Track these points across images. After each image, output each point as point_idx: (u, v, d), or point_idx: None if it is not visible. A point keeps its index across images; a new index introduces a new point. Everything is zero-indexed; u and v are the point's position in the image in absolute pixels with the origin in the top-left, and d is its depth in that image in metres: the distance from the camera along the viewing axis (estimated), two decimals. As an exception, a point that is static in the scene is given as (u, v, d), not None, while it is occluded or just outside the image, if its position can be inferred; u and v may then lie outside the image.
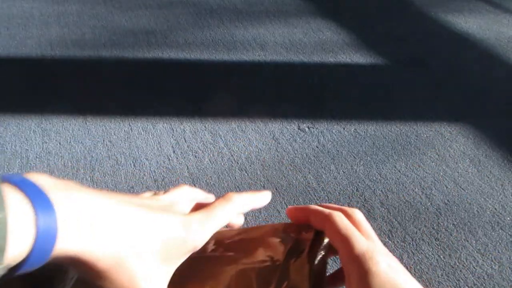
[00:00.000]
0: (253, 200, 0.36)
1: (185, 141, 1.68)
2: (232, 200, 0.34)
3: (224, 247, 0.34)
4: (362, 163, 1.60)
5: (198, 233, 0.32)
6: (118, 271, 0.28)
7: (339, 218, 0.35)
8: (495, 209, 1.45)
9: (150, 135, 1.70)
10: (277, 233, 0.34)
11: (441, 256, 1.30)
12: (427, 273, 1.26)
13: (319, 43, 2.31)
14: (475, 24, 2.49)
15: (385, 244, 1.33)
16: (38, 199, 0.24)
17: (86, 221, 0.26)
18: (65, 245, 0.25)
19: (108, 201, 0.28)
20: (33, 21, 2.46)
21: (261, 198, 0.37)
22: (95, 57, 2.18)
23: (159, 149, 1.64)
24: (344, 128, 1.76)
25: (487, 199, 1.48)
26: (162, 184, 1.49)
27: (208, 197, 0.38)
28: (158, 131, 1.72)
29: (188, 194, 0.36)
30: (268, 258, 0.32)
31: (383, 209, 1.43)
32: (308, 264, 0.32)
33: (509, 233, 1.37)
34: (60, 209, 0.25)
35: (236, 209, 0.35)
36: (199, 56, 2.20)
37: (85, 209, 0.27)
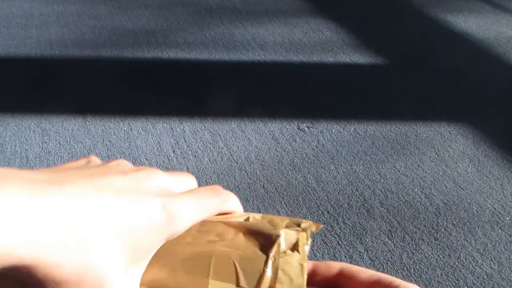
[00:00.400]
0: (238, 205, 0.32)
1: (185, 141, 1.68)
2: (222, 197, 0.30)
3: (202, 231, 0.29)
4: (361, 163, 1.61)
5: (179, 218, 0.26)
6: (82, 281, 0.22)
7: None
8: (495, 208, 1.45)
9: (149, 135, 1.70)
10: (262, 224, 0.31)
11: (441, 256, 1.30)
12: (426, 273, 1.26)
13: (318, 43, 2.32)
14: (474, 24, 2.49)
15: (384, 243, 1.33)
16: None
17: (33, 218, 0.20)
18: (2, 244, 0.19)
19: (61, 187, 0.22)
20: (33, 21, 2.46)
21: (239, 206, 0.32)
22: (94, 57, 2.18)
23: (159, 149, 1.64)
24: (343, 128, 1.77)
25: (486, 199, 1.48)
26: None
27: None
28: (158, 131, 1.72)
29: (170, 180, 0.29)
30: (255, 247, 0.29)
31: (383, 209, 1.43)
32: (300, 256, 0.29)
33: (509, 232, 1.37)
34: None
35: (222, 208, 0.30)
36: (199, 56, 2.20)
37: (28, 198, 0.20)
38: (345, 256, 1.30)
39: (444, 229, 1.37)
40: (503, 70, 2.16)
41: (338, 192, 1.48)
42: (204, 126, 1.75)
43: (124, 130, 1.71)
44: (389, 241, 1.34)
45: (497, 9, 2.66)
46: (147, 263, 0.26)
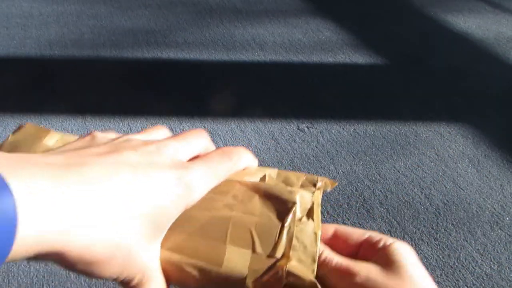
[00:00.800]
0: (251, 160, 0.32)
1: (185, 141, 1.68)
2: (233, 159, 0.29)
3: (218, 192, 0.29)
4: (361, 163, 1.61)
5: (196, 188, 0.26)
6: (111, 258, 0.23)
7: None
8: (494, 209, 1.45)
9: (149, 135, 1.70)
10: (279, 187, 0.30)
11: (440, 256, 1.30)
12: (426, 273, 1.26)
13: (318, 43, 2.32)
14: (474, 24, 2.49)
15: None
16: None
17: (61, 206, 0.21)
18: (33, 236, 0.20)
19: (80, 170, 0.22)
20: (32, 21, 2.46)
21: (253, 162, 0.32)
22: (94, 57, 2.18)
23: (159, 149, 1.64)
24: (343, 128, 1.77)
25: (486, 199, 1.48)
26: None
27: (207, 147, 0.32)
28: (158, 131, 1.72)
29: (186, 143, 0.29)
30: (271, 213, 0.29)
31: (382, 209, 1.43)
32: (313, 223, 0.29)
33: (508, 233, 1.37)
34: (19, 189, 0.19)
35: (235, 169, 0.30)
36: (198, 56, 2.20)
37: (54, 185, 0.21)
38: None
39: (444, 230, 1.37)
40: (502, 70, 2.16)
41: (338, 192, 1.48)
42: (204, 126, 1.75)
43: (123, 130, 1.71)
44: None
45: (497, 9, 2.66)
46: (166, 231, 0.27)
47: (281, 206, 0.29)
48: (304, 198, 0.30)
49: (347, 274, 0.29)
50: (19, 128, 0.34)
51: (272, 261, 0.27)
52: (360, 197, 1.47)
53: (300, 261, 0.28)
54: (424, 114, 1.86)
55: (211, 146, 0.32)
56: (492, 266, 1.27)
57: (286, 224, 0.28)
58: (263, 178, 0.31)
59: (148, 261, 0.26)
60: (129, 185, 0.24)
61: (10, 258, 0.19)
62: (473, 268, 1.27)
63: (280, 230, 0.28)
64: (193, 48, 2.25)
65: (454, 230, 1.37)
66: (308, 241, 0.28)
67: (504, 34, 2.42)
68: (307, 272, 0.28)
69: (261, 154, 1.63)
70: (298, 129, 1.75)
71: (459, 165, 1.62)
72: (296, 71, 2.12)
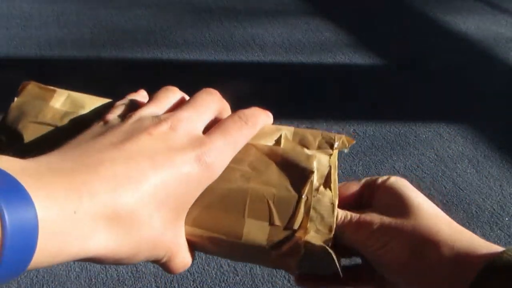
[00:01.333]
0: (268, 119, 0.31)
1: (184, 141, 1.68)
2: (250, 123, 0.29)
3: (235, 160, 0.28)
4: (361, 163, 1.61)
5: (215, 165, 0.26)
6: (139, 251, 0.24)
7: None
8: (494, 209, 1.45)
9: (149, 136, 1.70)
10: (295, 152, 0.30)
11: (440, 257, 1.30)
12: (425, 273, 1.26)
13: (318, 43, 2.32)
14: (473, 25, 2.50)
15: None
16: (7, 189, 0.18)
17: (81, 211, 0.21)
18: (55, 247, 0.20)
19: (97, 171, 0.22)
20: (32, 22, 2.46)
21: (269, 120, 0.32)
22: (94, 57, 2.18)
23: (158, 149, 1.64)
24: (343, 129, 1.77)
25: (485, 199, 1.49)
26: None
27: (224, 108, 0.31)
28: (157, 131, 1.72)
29: (197, 110, 0.28)
30: (288, 183, 0.28)
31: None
32: (331, 192, 0.29)
33: (508, 233, 1.37)
34: (41, 203, 0.19)
35: (253, 133, 0.29)
36: (198, 56, 2.20)
37: (74, 194, 0.21)
38: (345, 258, 1.30)
39: (443, 230, 1.37)
40: (502, 71, 2.16)
41: (338, 193, 1.48)
42: (204, 127, 1.75)
43: (123, 130, 1.72)
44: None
45: (496, 10, 2.67)
46: (187, 211, 0.27)
47: (299, 175, 0.29)
48: (321, 163, 0.29)
49: (364, 226, 0.29)
50: (22, 88, 0.33)
51: (290, 232, 0.28)
52: (359, 198, 1.47)
53: (317, 232, 0.28)
54: (424, 114, 1.86)
55: (225, 106, 0.31)
56: (492, 266, 1.27)
57: (304, 196, 0.28)
58: (278, 140, 0.30)
59: (173, 240, 0.26)
60: (150, 178, 0.23)
61: (31, 267, 0.19)
62: (473, 268, 1.27)
63: (298, 201, 0.28)
64: (193, 48, 2.26)
65: (453, 230, 1.37)
66: (326, 212, 0.28)
67: (503, 34, 2.43)
68: (324, 243, 0.28)
69: (261, 155, 1.63)
70: (297, 129, 1.76)
71: (458, 165, 1.62)
72: (295, 71, 2.12)
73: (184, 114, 0.27)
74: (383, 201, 0.31)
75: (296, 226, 0.28)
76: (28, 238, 0.18)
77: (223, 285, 1.23)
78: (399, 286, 0.30)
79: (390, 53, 2.24)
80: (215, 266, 1.27)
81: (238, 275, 1.26)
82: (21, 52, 2.20)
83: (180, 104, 0.29)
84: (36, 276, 1.24)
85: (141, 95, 0.33)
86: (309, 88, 2.00)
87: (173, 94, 0.31)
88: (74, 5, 2.64)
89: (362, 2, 2.74)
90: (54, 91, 0.33)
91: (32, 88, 0.33)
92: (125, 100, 0.31)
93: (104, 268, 1.27)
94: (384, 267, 0.29)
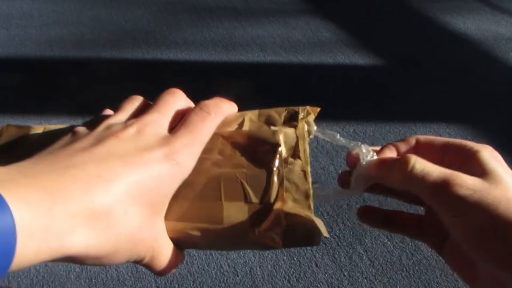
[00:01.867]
0: (231, 108, 0.32)
1: (184, 141, 1.68)
2: (212, 113, 0.29)
3: (204, 151, 0.29)
4: (361, 164, 1.61)
5: (186, 161, 0.27)
6: (118, 248, 0.24)
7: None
8: (494, 209, 1.45)
9: (149, 136, 1.70)
10: (260, 129, 0.31)
11: (440, 257, 1.30)
12: (425, 273, 1.26)
13: (318, 44, 2.32)
14: (473, 25, 2.50)
15: (384, 244, 1.34)
16: None
17: (57, 211, 0.21)
18: (33, 248, 0.20)
19: (71, 173, 0.23)
20: (32, 22, 2.46)
21: (232, 108, 0.32)
22: (94, 57, 2.18)
23: (158, 149, 1.64)
24: (343, 129, 1.77)
25: (485, 199, 1.49)
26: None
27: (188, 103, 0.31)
28: (157, 131, 1.72)
29: (162, 112, 0.29)
30: (257, 161, 0.29)
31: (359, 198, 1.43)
32: (301, 161, 0.29)
33: (508, 233, 1.37)
34: (16, 206, 0.19)
35: (217, 123, 0.30)
36: (198, 56, 2.20)
37: (49, 196, 0.21)
38: (345, 257, 1.30)
39: (443, 230, 1.37)
40: (502, 71, 2.16)
41: (338, 193, 1.48)
42: (204, 127, 1.75)
43: (123, 131, 1.72)
44: (389, 242, 1.34)
45: (496, 11, 2.67)
46: (166, 206, 0.27)
47: (266, 151, 0.29)
48: (287, 136, 0.30)
49: (445, 187, 0.27)
50: (1, 132, 0.34)
51: (268, 207, 0.28)
52: (359, 198, 1.47)
53: (295, 201, 0.28)
54: (423, 114, 1.86)
55: (188, 102, 0.31)
56: (492, 267, 1.27)
57: (275, 169, 0.29)
58: (241, 123, 0.31)
59: (153, 237, 0.26)
60: (121, 176, 0.24)
61: (13, 269, 0.20)
62: (473, 268, 1.27)
63: (269, 175, 0.28)
64: (193, 48, 2.26)
65: (453, 230, 1.37)
66: (299, 180, 0.29)
67: (503, 35, 2.43)
68: (304, 210, 0.28)
69: (261, 155, 1.63)
70: (297, 130, 1.76)
71: (458, 166, 1.62)
72: (295, 72, 2.12)
73: (148, 117, 0.28)
74: (472, 170, 0.29)
75: (272, 199, 0.28)
76: (7, 243, 0.19)
77: (223, 285, 1.23)
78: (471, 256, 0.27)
79: (390, 53, 2.24)
80: (215, 267, 1.27)
81: (238, 275, 1.26)
82: (21, 52, 2.20)
83: (144, 109, 0.30)
84: (36, 276, 1.24)
85: (107, 112, 0.34)
86: (309, 88, 2.00)
87: (137, 102, 0.31)
88: (74, 5, 2.64)
89: (362, 2, 2.75)
90: (30, 127, 0.34)
91: (9, 130, 0.34)
92: (92, 118, 0.33)
93: (104, 269, 1.27)
94: (460, 236, 0.27)
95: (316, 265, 1.29)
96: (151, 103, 0.31)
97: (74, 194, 0.22)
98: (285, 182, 0.29)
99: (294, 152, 0.30)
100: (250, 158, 0.29)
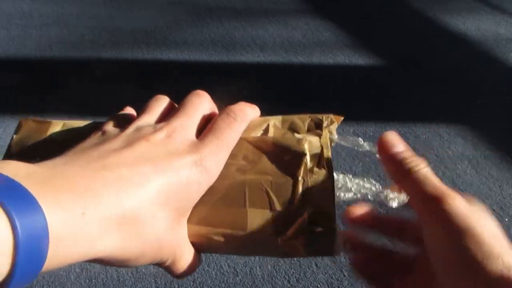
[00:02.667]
0: (255, 113, 0.32)
1: (184, 142, 1.68)
2: (238, 118, 0.29)
3: (230, 157, 0.29)
4: (361, 164, 1.61)
5: (213, 168, 0.27)
6: (144, 252, 0.24)
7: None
8: (494, 210, 1.45)
9: (149, 136, 1.70)
10: (285, 137, 0.31)
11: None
12: (425, 273, 1.26)
13: (318, 44, 2.32)
14: (473, 25, 2.50)
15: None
16: (14, 196, 0.19)
17: (89, 216, 0.21)
18: (64, 251, 0.20)
19: (103, 175, 0.23)
20: (33, 22, 2.46)
21: (256, 113, 0.32)
22: (94, 57, 2.18)
23: (158, 150, 1.64)
24: (342, 130, 1.77)
25: (485, 200, 1.49)
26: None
27: (212, 107, 0.32)
28: (157, 132, 1.72)
29: (189, 113, 0.29)
30: (282, 169, 0.29)
31: (382, 210, 1.43)
32: (325, 171, 0.29)
33: (507, 234, 1.37)
34: (50, 210, 0.20)
35: (243, 128, 0.30)
36: (198, 57, 2.20)
37: (82, 199, 0.21)
38: (345, 257, 1.30)
39: (443, 230, 1.37)
40: (502, 72, 2.16)
41: (338, 193, 1.49)
42: (204, 127, 1.75)
43: (123, 131, 1.72)
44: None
45: (496, 11, 2.67)
46: (189, 213, 0.28)
47: (292, 160, 0.29)
48: (312, 145, 0.30)
49: (439, 201, 0.27)
50: (20, 125, 0.34)
51: (292, 215, 0.28)
52: (360, 198, 1.47)
53: (320, 198, 0.28)
54: (423, 115, 1.86)
55: (212, 104, 0.32)
56: (492, 267, 1.27)
57: (300, 178, 0.29)
58: (267, 129, 0.31)
59: (177, 241, 0.27)
60: (152, 181, 0.24)
61: (41, 272, 0.20)
62: (473, 269, 1.27)
63: (295, 185, 0.28)
64: (193, 49, 2.26)
65: (453, 231, 1.38)
66: (324, 182, 0.29)
67: (503, 35, 2.43)
68: (328, 210, 0.28)
69: (261, 155, 1.63)
70: (297, 130, 1.76)
71: (458, 166, 1.62)
72: (295, 72, 2.12)
73: (177, 121, 0.28)
74: None
75: (297, 208, 0.28)
76: (39, 246, 0.19)
77: (223, 285, 1.23)
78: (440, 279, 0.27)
79: (390, 53, 2.24)
80: (215, 267, 1.27)
81: (238, 276, 1.26)
82: (21, 52, 2.20)
83: (171, 111, 0.30)
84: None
85: (129, 110, 0.34)
86: (309, 89, 2.00)
87: (164, 103, 0.32)
88: (74, 5, 2.64)
89: (362, 3, 2.75)
90: (50, 122, 0.34)
91: (28, 123, 0.34)
92: (117, 115, 0.33)
93: (104, 269, 1.27)
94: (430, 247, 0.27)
95: (316, 265, 1.29)
96: (176, 105, 0.31)
97: (105, 199, 0.22)
98: (310, 191, 0.29)
99: (319, 161, 0.30)
100: (275, 165, 0.29)
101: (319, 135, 0.31)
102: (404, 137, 1.74)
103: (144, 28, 2.42)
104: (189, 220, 0.28)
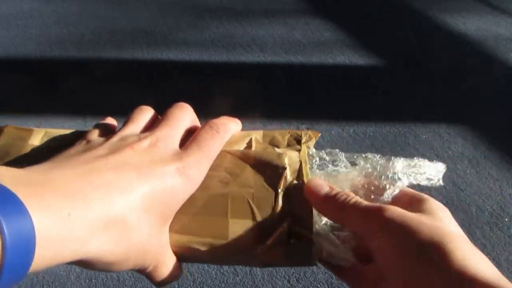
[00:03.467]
0: (237, 126, 0.33)
1: (184, 142, 1.68)
2: (221, 131, 0.31)
3: (211, 168, 0.30)
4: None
5: (195, 176, 0.28)
6: (128, 255, 0.25)
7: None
8: (494, 210, 1.45)
9: (149, 136, 1.70)
10: (267, 152, 0.32)
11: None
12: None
13: (318, 44, 2.32)
14: (473, 26, 2.50)
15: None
16: (0, 199, 0.19)
17: (75, 218, 0.21)
18: (51, 253, 0.21)
19: (90, 179, 0.23)
20: (33, 22, 2.46)
21: (238, 127, 0.34)
22: (94, 58, 2.18)
23: (159, 150, 1.64)
24: (343, 129, 1.77)
25: (485, 200, 1.49)
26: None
27: (193, 120, 0.33)
28: (157, 132, 1.72)
29: (171, 126, 0.31)
30: (264, 181, 0.31)
31: (382, 210, 1.43)
32: (304, 184, 0.31)
33: (507, 234, 1.37)
34: (36, 212, 0.20)
35: (225, 141, 0.32)
36: (198, 57, 2.20)
37: (68, 202, 0.22)
38: (345, 257, 1.30)
39: (443, 230, 1.37)
40: (502, 72, 2.16)
41: (338, 193, 1.48)
42: (204, 127, 1.75)
43: (123, 131, 1.71)
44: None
45: (496, 11, 2.67)
46: (171, 220, 0.29)
47: (273, 173, 0.31)
48: (292, 159, 0.32)
49: (377, 212, 0.28)
50: (1, 132, 0.35)
51: (273, 226, 0.29)
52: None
53: (299, 210, 0.30)
54: (424, 115, 1.86)
55: (195, 117, 0.33)
56: (492, 267, 1.27)
57: (280, 190, 0.30)
58: (250, 143, 0.33)
59: (160, 248, 0.27)
60: (137, 186, 0.25)
61: (31, 272, 0.20)
62: (473, 269, 1.27)
63: (276, 197, 0.30)
64: (193, 49, 2.26)
65: (453, 231, 1.37)
66: (303, 195, 0.30)
67: (503, 35, 2.43)
68: (307, 221, 0.30)
69: (261, 155, 1.63)
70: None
71: (458, 166, 1.62)
72: (295, 72, 2.12)
73: (161, 132, 0.29)
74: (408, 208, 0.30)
75: (277, 220, 0.29)
76: (26, 248, 0.19)
77: (223, 285, 1.23)
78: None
79: (390, 53, 2.24)
80: (215, 267, 1.27)
81: (238, 276, 1.26)
82: (21, 52, 2.20)
83: (155, 122, 0.32)
84: (36, 277, 1.24)
85: (110, 121, 0.35)
86: (309, 89, 2.00)
87: (148, 114, 0.33)
88: (74, 5, 2.64)
89: (362, 3, 2.75)
90: (32, 130, 0.35)
91: (9, 130, 0.35)
92: (100, 125, 0.34)
93: (104, 269, 1.27)
94: (382, 256, 0.27)
95: (316, 265, 1.29)
96: (159, 116, 0.33)
97: (92, 202, 0.23)
98: (290, 204, 0.30)
99: (298, 175, 0.31)
100: (257, 178, 0.31)
101: (299, 150, 0.32)
102: (404, 136, 1.75)
103: (144, 28, 2.42)
104: (171, 229, 0.29)
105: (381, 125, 1.80)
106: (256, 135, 0.33)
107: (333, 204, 0.30)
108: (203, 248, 0.29)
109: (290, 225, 0.29)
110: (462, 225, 1.42)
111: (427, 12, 2.64)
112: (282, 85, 2.03)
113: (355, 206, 0.29)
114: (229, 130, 0.32)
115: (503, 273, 0.26)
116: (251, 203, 0.30)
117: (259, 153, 0.32)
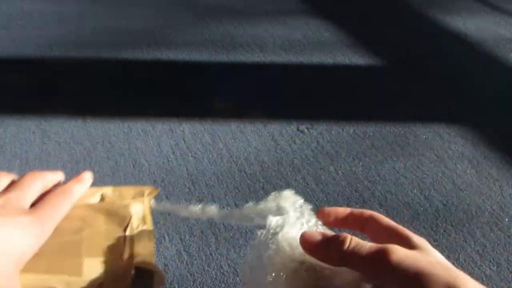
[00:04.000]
0: (84, 186, 0.38)
1: (184, 142, 1.68)
2: (67, 193, 0.36)
3: (64, 219, 0.36)
4: (361, 164, 1.61)
5: (48, 227, 0.32)
6: None
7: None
8: (493, 210, 1.45)
9: (149, 136, 1.70)
10: (117, 205, 0.39)
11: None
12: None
13: (317, 44, 2.32)
14: (473, 26, 2.50)
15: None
16: None
17: None
18: None
19: None
20: (33, 22, 2.46)
21: (87, 181, 0.39)
22: (94, 58, 2.18)
23: (159, 150, 1.64)
24: (343, 129, 1.77)
25: (485, 200, 1.49)
26: (161, 186, 1.49)
27: (54, 178, 0.38)
28: (158, 132, 1.72)
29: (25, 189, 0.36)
30: (115, 227, 0.36)
31: (382, 210, 1.43)
32: (148, 227, 0.38)
33: (507, 234, 1.37)
34: None
35: (74, 200, 0.36)
36: (198, 57, 2.20)
37: None
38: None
39: (443, 230, 1.38)
40: (501, 72, 2.16)
41: (338, 194, 1.49)
42: (204, 128, 1.75)
43: (123, 131, 1.72)
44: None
45: (496, 11, 2.67)
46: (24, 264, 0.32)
47: (122, 221, 0.37)
48: (137, 209, 0.38)
49: (382, 256, 0.28)
50: None
51: (121, 261, 0.35)
52: (359, 198, 1.47)
53: (143, 248, 0.36)
54: (424, 115, 1.86)
55: (49, 183, 0.38)
56: (491, 267, 1.27)
57: (128, 233, 0.36)
58: (102, 198, 0.40)
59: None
60: None
61: None
62: (472, 269, 1.27)
63: (124, 239, 0.36)
64: (193, 49, 2.26)
65: (453, 231, 1.38)
66: (147, 241, 0.37)
67: (503, 35, 2.43)
68: (150, 262, 0.36)
69: (261, 155, 1.63)
70: (298, 130, 1.76)
71: (458, 166, 1.62)
72: (295, 72, 2.12)
73: (12, 194, 0.34)
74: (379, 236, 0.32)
75: (126, 255, 0.35)
76: None
77: (223, 285, 1.23)
78: None
79: (390, 54, 2.24)
80: (215, 267, 1.27)
81: (238, 276, 1.26)
82: (21, 52, 2.20)
83: (9, 187, 0.36)
84: None
85: None
86: (309, 89, 2.01)
87: (4, 179, 0.37)
88: (74, 5, 2.64)
89: (362, 3, 2.75)
90: None
91: None
92: None
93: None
94: None
95: None
96: (15, 180, 0.37)
97: None
98: (136, 240, 0.36)
99: (143, 220, 0.38)
100: (109, 225, 0.37)
101: (142, 202, 0.39)
102: (404, 137, 1.75)
103: (144, 28, 2.42)
104: (29, 270, 0.32)
105: (381, 125, 1.80)
106: (107, 190, 0.40)
107: (330, 250, 0.30)
108: (59, 285, 0.32)
109: (136, 262, 0.35)
110: (462, 225, 1.42)
111: (426, 13, 2.64)
112: (282, 85, 2.03)
113: (356, 253, 0.29)
114: (74, 192, 0.37)
115: (503, 274, 0.26)
116: (103, 244, 0.35)
117: (110, 204, 0.38)
